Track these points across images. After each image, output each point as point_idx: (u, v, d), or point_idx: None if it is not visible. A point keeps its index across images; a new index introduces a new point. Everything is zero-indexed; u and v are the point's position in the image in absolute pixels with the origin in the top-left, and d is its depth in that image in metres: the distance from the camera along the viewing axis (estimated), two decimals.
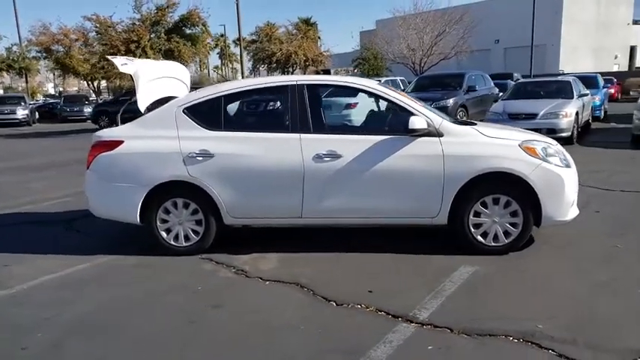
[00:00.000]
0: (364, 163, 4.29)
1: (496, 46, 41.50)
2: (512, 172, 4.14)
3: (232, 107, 4.74)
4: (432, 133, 4.23)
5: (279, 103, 4.70)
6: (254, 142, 4.44)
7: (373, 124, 4.86)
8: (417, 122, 4.17)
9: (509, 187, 4.21)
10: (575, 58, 38.91)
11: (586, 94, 11.88)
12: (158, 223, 4.61)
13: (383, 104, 4.71)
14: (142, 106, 4.83)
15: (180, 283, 4.05)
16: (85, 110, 26.04)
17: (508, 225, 4.27)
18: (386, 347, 2.93)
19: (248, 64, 29.69)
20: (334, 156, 4.29)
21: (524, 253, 4.33)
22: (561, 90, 11.57)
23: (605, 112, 16.56)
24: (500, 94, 14.20)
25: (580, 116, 11.13)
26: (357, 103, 5.36)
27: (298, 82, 4.52)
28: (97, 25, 19.76)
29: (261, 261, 4.42)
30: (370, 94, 4.57)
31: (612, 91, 22.75)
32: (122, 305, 3.68)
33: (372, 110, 4.84)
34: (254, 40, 27.49)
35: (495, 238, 4.30)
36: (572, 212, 4.34)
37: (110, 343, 3.14)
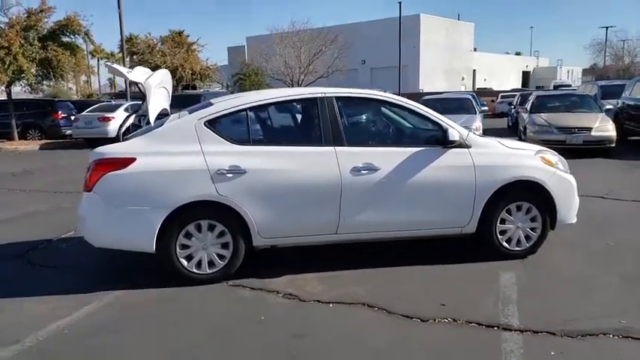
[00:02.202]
0: (401, 176, 4.28)
1: (363, 67, 44.23)
2: (534, 180, 4.47)
3: (258, 120, 4.39)
4: (463, 144, 4.40)
5: (308, 116, 4.48)
6: (287, 157, 4.17)
7: (404, 136, 4.88)
8: (455, 134, 4.30)
9: (530, 194, 4.54)
10: (431, 78, 43.21)
11: (484, 111, 13.20)
12: (178, 249, 4.08)
13: (409, 116, 4.74)
14: (153, 116, 4.26)
15: (233, 315, 3.62)
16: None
17: (529, 230, 4.59)
18: (514, 359, 2.95)
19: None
20: (372, 169, 4.22)
21: (539, 256, 4.66)
22: (463, 106, 12.74)
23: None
24: None
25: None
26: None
27: (326, 95, 4.36)
28: None
29: (302, 283, 4.14)
30: (399, 106, 4.60)
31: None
32: (195, 352, 3.16)
33: (399, 122, 4.87)
34: (134, 52, 25.65)
35: (518, 242, 4.59)
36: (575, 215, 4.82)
37: None
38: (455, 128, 4.36)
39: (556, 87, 36.86)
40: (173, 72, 24.85)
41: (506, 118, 20.88)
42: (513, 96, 23.27)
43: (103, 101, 23.31)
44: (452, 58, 46.31)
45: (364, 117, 5.07)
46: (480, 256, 4.59)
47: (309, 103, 4.38)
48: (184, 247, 4.10)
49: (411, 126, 4.74)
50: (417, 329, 3.35)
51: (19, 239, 5.60)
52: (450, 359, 2.99)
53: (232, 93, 18.53)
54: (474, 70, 50.16)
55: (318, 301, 3.79)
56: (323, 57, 34.41)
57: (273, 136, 4.48)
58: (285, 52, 34.70)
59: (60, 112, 19.85)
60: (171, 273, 4.13)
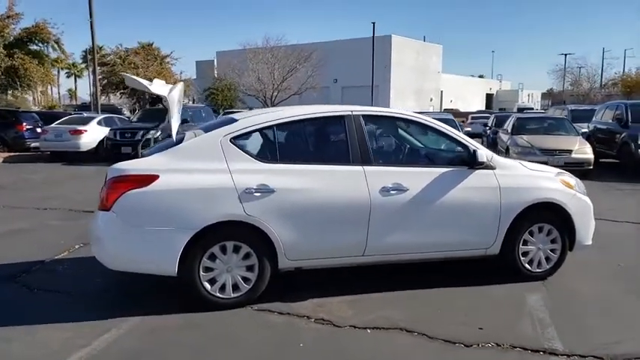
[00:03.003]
0: (429, 196, 4.24)
1: (335, 85, 44.62)
2: (556, 202, 4.51)
3: (285, 137, 4.26)
4: (489, 165, 4.40)
5: (336, 134, 4.39)
6: (316, 176, 4.06)
7: (430, 155, 4.84)
8: (483, 155, 4.30)
9: (551, 216, 4.56)
10: (402, 98, 43.95)
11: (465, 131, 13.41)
12: (201, 272, 3.88)
13: (434, 136, 4.71)
14: (175, 131, 4.08)
15: (269, 342, 3.44)
16: None
17: (549, 251, 4.61)
18: None
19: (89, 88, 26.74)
20: (400, 189, 4.16)
21: (557, 277, 4.67)
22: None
23: None
24: None
25: None
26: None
27: (354, 113, 4.30)
28: None
29: (331, 307, 4.00)
30: (425, 126, 4.57)
31: None
32: None
33: (425, 142, 4.84)
34: (105, 63, 24.97)
35: (539, 264, 4.60)
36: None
37: None
38: (482, 149, 4.36)
39: (520, 109, 38.20)
40: None
41: (479, 138, 21.37)
42: (485, 117, 23.88)
43: (71, 113, 22.53)
44: (421, 78, 47.34)
45: (391, 136, 5.02)
46: (500, 278, 4.57)
47: (336, 121, 4.30)
48: (208, 269, 3.90)
49: (437, 146, 4.72)
50: (465, 355, 3.26)
51: (7, 260, 5.23)
52: None
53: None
54: (442, 92, 51.38)
55: (354, 327, 3.66)
56: (297, 74, 34.56)
57: (301, 154, 4.36)
58: (259, 67, 34.72)
59: (25, 124, 18.96)
60: (193, 297, 3.92)
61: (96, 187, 10.50)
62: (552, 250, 4.61)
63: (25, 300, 4.23)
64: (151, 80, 4.51)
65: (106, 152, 15.89)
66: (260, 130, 4.11)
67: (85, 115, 20.54)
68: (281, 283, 4.35)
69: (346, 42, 44.25)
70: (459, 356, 3.25)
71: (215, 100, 34.61)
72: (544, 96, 74.73)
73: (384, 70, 41.51)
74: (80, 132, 16.51)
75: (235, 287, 3.97)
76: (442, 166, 4.39)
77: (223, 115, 22.74)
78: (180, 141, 4.10)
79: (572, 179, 4.76)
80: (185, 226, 3.77)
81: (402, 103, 42.08)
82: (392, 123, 4.81)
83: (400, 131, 4.90)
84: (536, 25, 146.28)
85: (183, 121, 16.43)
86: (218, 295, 3.94)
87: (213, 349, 3.35)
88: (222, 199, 3.84)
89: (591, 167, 11.44)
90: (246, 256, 3.97)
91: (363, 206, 4.08)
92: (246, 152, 4.00)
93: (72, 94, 66.27)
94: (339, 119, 4.27)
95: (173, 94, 4.06)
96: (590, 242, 4.76)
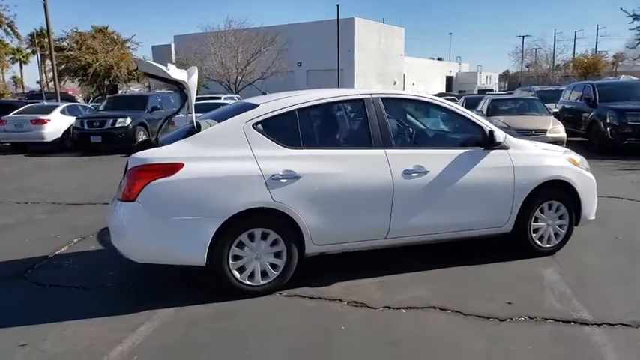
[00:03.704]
0: (449, 178, 4.31)
1: (299, 69, 44.28)
2: (564, 179, 4.67)
3: (306, 122, 4.20)
4: (503, 146, 4.51)
5: (356, 117, 4.38)
6: (340, 160, 4.06)
7: (448, 137, 4.89)
8: (500, 136, 4.40)
9: (559, 193, 4.73)
10: (366, 81, 44.12)
11: None
12: (230, 260, 3.83)
13: (450, 117, 4.76)
14: (194, 119, 3.98)
15: (310, 326, 3.46)
16: None
17: (557, 227, 4.79)
18: (612, 351, 3.06)
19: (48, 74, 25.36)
20: (422, 171, 4.21)
21: (564, 252, 4.86)
22: None
23: None
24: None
25: None
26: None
27: (373, 96, 4.30)
28: None
29: (359, 289, 4.04)
30: (441, 108, 4.61)
31: None
32: None
33: (442, 123, 4.89)
34: (60, 48, 23.73)
35: (548, 239, 4.78)
36: None
37: None
38: (498, 130, 4.46)
39: (481, 91, 39.08)
40: (107, 71, 23.54)
41: None
42: (452, 100, 24.28)
43: (30, 101, 21.42)
44: (384, 62, 47.60)
45: (408, 118, 5.05)
46: (511, 254, 4.71)
47: (357, 104, 4.29)
48: (236, 257, 3.86)
49: (453, 127, 4.78)
50: (503, 329, 3.37)
51: (7, 257, 5.02)
52: (552, 354, 3.04)
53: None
54: (404, 75, 51.87)
55: (389, 307, 3.72)
56: (261, 58, 34.09)
57: (323, 138, 4.33)
58: (221, 52, 34.03)
59: None
60: (222, 286, 3.88)
61: (70, 178, 10.22)
62: (560, 226, 4.79)
63: (42, 297, 4.07)
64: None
65: (74, 143, 15.32)
66: (282, 115, 4.05)
67: (46, 103, 19.64)
68: (302, 270, 4.34)
69: (310, 24, 43.87)
70: (498, 330, 3.35)
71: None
72: (501, 77, 76.76)
73: (348, 54, 41.46)
74: (43, 122, 15.76)
75: (264, 274, 3.95)
76: (458, 147, 4.47)
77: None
78: (191, 129, 3.98)
79: (577, 157, 4.94)
80: (213, 214, 3.71)
81: (366, 86, 42.24)
82: (409, 105, 4.86)
83: (417, 113, 4.94)
84: (494, 7, 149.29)
85: (153, 109, 16.37)
86: (247, 282, 3.91)
87: (258, 336, 3.34)
88: (250, 186, 3.79)
89: (564, 146, 11.84)
90: (274, 242, 3.95)
91: (386, 189, 4.12)
92: (270, 138, 3.95)
93: (17, 81, 62.47)
94: (359, 102, 4.27)
95: (193, 80, 3.94)
96: (593, 217, 4.97)
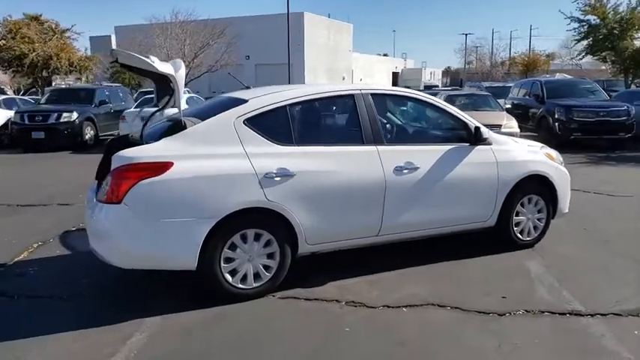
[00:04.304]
0: (438, 173, 4.31)
1: (248, 62, 43.59)
2: (543, 174, 4.79)
3: (298, 118, 4.05)
4: (487, 141, 4.56)
5: (347, 113, 4.26)
6: (333, 157, 3.96)
7: (435, 133, 4.86)
8: (486, 132, 4.44)
9: (539, 187, 4.85)
10: (315, 77, 44.07)
11: None
12: (222, 263, 3.65)
13: (437, 114, 4.74)
14: (182, 114, 3.74)
15: (312, 329, 3.34)
16: None
17: (536, 220, 4.91)
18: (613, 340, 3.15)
19: None
20: (412, 168, 4.18)
21: (542, 244, 5.00)
22: None
23: None
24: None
25: None
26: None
27: (363, 91, 4.23)
28: None
29: (353, 289, 3.95)
30: (428, 104, 4.57)
31: None
32: None
33: (429, 120, 4.87)
34: None
35: (528, 233, 4.89)
36: None
37: None
38: (483, 127, 4.50)
39: (427, 87, 40.10)
40: (46, 62, 22.13)
41: None
42: None
43: None
44: (333, 57, 47.67)
45: (396, 114, 5.00)
46: (491, 248, 4.77)
47: (347, 100, 4.20)
48: (228, 260, 3.68)
49: (439, 123, 4.77)
50: (504, 324, 3.40)
51: None
52: (558, 347, 3.08)
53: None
54: (352, 71, 52.23)
55: (388, 306, 3.66)
56: (209, 51, 33.25)
57: (315, 135, 4.20)
58: (167, 44, 32.93)
59: None
60: (213, 290, 3.69)
61: (16, 177, 9.51)
62: (539, 219, 4.91)
63: (12, 309, 3.73)
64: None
65: (11, 139, 14.30)
66: (273, 111, 3.89)
67: None
68: (292, 270, 4.21)
69: (259, 18, 43.18)
70: (501, 325, 3.37)
71: (121, 79, 32.31)
72: (444, 74, 79.07)
73: (297, 49, 41.20)
74: None
75: (257, 276, 3.80)
76: (445, 143, 4.48)
77: (139, 94, 21.32)
78: (176, 126, 3.75)
79: (553, 152, 5.09)
80: (205, 215, 3.51)
81: (315, 82, 42.23)
82: (397, 101, 4.83)
83: (404, 109, 4.91)
84: (438, 4, 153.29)
85: (101, 103, 15.54)
86: (240, 286, 3.74)
87: (259, 342, 3.18)
88: (243, 185, 3.62)
89: None
90: (267, 243, 3.80)
91: (378, 186, 4.06)
92: (262, 134, 3.78)
93: None
94: (349, 98, 4.19)
95: (181, 73, 3.71)
96: (567, 210, 5.14)
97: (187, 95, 15.03)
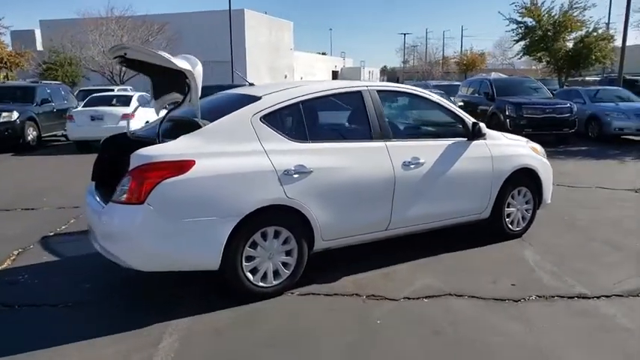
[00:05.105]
0: (441, 168, 4.44)
1: None
2: (531, 167, 5.06)
3: (310, 114, 4.00)
4: (484, 137, 4.76)
5: (356, 109, 4.27)
6: (346, 153, 3.99)
7: (436, 129, 4.95)
8: (484, 127, 4.63)
9: (526, 180, 5.11)
10: (258, 75, 43.70)
11: None
12: (244, 262, 3.58)
13: (436, 110, 4.84)
14: (199, 113, 3.62)
15: (344, 324, 3.35)
16: None
17: (524, 211, 5.18)
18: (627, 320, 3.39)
19: None
20: (418, 163, 4.29)
21: (529, 234, 5.26)
22: None
23: None
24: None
25: None
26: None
27: (369, 88, 4.28)
28: None
29: (369, 283, 4.00)
30: (428, 100, 4.68)
31: None
32: None
33: (429, 116, 4.99)
34: None
35: (517, 223, 5.15)
36: None
37: None
38: (480, 122, 4.68)
39: None
40: None
41: None
42: None
43: None
44: (275, 55, 47.50)
45: (401, 111, 5.07)
46: (483, 239, 4.98)
47: (355, 97, 4.23)
48: (249, 258, 3.62)
49: (439, 119, 4.90)
50: (524, 309, 3.56)
51: None
52: (582, 328, 3.28)
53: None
54: (293, 68, 52.27)
55: (408, 298, 3.74)
56: (149, 48, 32.08)
57: (327, 131, 4.21)
58: (102, 40, 31.49)
59: None
60: (233, 289, 3.63)
61: None
62: (527, 210, 5.18)
63: (19, 320, 3.47)
64: None
65: None
66: (287, 107, 3.86)
67: None
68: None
69: (199, 14, 42.15)
70: (520, 310, 3.54)
71: (54, 76, 30.51)
72: (381, 73, 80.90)
73: (239, 46, 40.69)
74: None
75: (276, 274, 3.76)
76: (445, 138, 4.62)
77: (79, 92, 20.14)
78: (191, 123, 3.64)
79: (537, 146, 5.38)
80: (228, 213, 3.44)
81: (258, 80, 41.86)
82: (401, 98, 4.89)
83: (407, 105, 5.01)
84: (377, 3, 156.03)
85: (43, 102, 14.62)
86: (260, 284, 3.69)
87: (296, 340, 3.15)
88: (264, 182, 3.57)
89: None
90: (285, 240, 3.77)
91: (389, 181, 4.13)
92: (278, 131, 3.74)
93: None
94: (357, 94, 4.22)
95: (199, 69, 3.58)
96: (550, 201, 5.46)
97: (138, 94, 14.49)
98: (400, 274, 4.21)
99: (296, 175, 3.68)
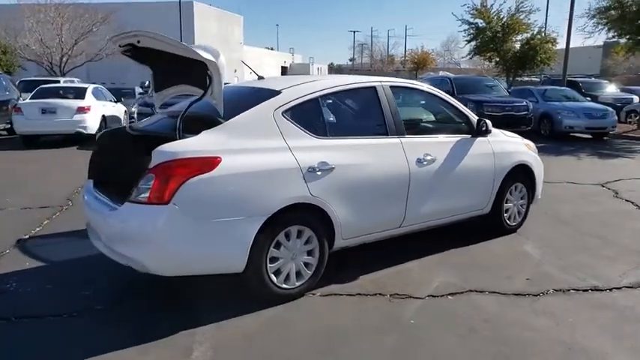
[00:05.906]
0: (450, 164, 4.44)
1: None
2: (527, 163, 5.17)
3: (329, 109, 3.87)
4: (490, 133, 4.80)
5: (370, 105, 4.14)
6: (365, 149, 3.90)
7: (444, 125, 4.90)
8: (490, 125, 4.67)
9: (522, 176, 5.22)
10: None
11: None
12: (268, 263, 3.42)
13: (443, 107, 4.83)
14: (222, 106, 3.39)
15: (378, 324, 3.25)
16: None
17: (520, 206, 5.29)
18: None
19: None
20: (430, 159, 4.27)
21: (523, 229, 5.39)
22: None
23: None
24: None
25: None
26: None
27: (383, 83, 4.21)
28: None
29: (388, 281, 3.92)
30: (436, 97, 4.68)
31: None
32: None
33: (437, 112, 4.97)
34: None
35: (514, 218, 5.25)
36: None
37: None
38: (486, 120, 4.73)
39: None
40: None
41: None
42: None
43: None
44: (225, 49, 46.25)
45: (411, 106, 5.01)
46: (479, 235, 5.05)
47: (370, 92, 4.13)
48: (273, 259, 3.46)
49: (446, 116, 4.89)
50: (546, 303, 3.60)
51: None
52: (608, 319, 3.36)
53: None
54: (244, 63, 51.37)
55: (433, 296, 3.70)
56: (93, 38, 30.52)
57: (345, 126, 4.07)
58: (40, 28, 29.65)
59: None
60: (256, 292, 3.45)
61: None
62: (522, 205, 5.30)
63: (20, 334, 3.12)
64: None
65: None
66: (307, 102, 3.70)
67: None
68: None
69: (146, 5, 40.49)
70: (544, 304, 3.58)
71: None
72: (330, 70, 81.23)
73: (188, 39, 39.53)
74: None
75: (299, 275, 3.62)
76: (452, 135, 4.63)
77: (20, 83, 18.74)
78: (213, 119, 3.42)
79: (530, 143, 5.51)
80: (255, 213, 3.26)
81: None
82: (411, 94, 4.86)
83: (418, 102, 4.97)
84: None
85: None
86: (284, 286, 3.53)
87: (333, 344, 3.03)
88: (290, 180, 3.41)
89: None
90: (307, 240, 3.63)
91: (404, 178, 4.08)
92: (299, 127, 3.59)
93: None
94: (373, 90, 4.14)
95: (222, 60, 3.34)
96: (540, 196, 5.61)
97: (93, 86, 13.72)
98: (414, 271, 4.16)
99: (319, 173, 3.54)
